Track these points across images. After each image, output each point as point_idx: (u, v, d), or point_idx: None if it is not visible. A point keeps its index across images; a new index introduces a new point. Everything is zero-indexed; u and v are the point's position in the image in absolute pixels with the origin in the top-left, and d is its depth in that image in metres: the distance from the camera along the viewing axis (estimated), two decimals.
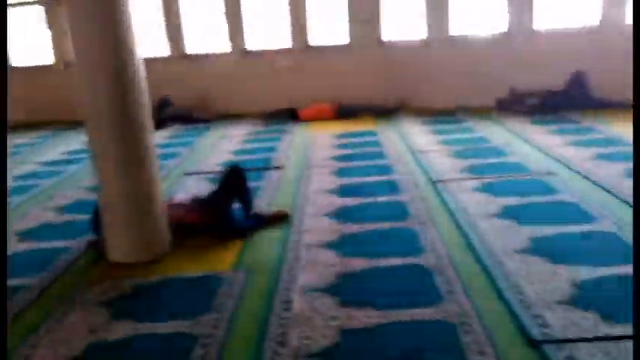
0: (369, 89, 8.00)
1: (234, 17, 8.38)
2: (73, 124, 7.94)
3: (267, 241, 3.59)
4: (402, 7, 8.02)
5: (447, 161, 5.19)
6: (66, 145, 7.30)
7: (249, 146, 6.52)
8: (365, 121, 7.47)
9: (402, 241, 3.42)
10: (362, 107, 7.85)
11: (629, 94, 6.82)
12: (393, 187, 4.50)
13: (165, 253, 3.46)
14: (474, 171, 4.80)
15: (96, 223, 3.58)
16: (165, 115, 8.08)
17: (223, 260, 3.34)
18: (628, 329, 2.33)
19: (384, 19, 8.03)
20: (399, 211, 3.94)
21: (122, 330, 2.64)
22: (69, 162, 6.27)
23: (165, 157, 6.00)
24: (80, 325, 2.72)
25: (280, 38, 8.39)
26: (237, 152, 6.25)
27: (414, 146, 5.86)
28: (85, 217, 3.95)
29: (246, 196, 3.91)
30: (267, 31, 8.51)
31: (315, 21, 8.30)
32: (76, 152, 6.73)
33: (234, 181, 3.90)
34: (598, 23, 7.17)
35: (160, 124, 7.57)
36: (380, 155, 5.62)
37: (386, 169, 5.05)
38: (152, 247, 3.43)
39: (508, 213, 3.75)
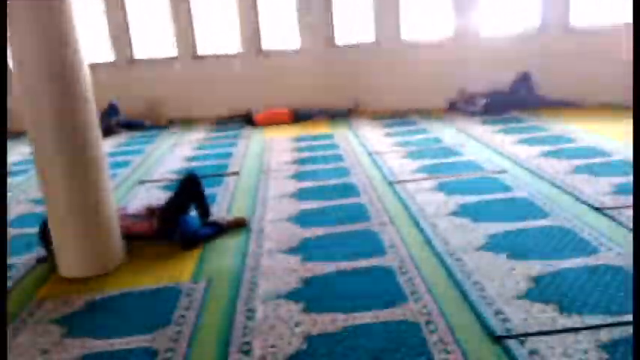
0: (323, 92, 8.01)
1: (185, 21, 8.22)
2: (14, 134, 7.57)
3: (227, 249, 3.52)
4: (353, 10, 8.07)
5: (403, 162, 5.24)
6: (7, 156, 6.96)
7: (203, 152, 6.39)
8: (321, 124, 7.47)
9: (364, 243, 3.42)
10: (317, 110, 7.85)
11: (573, 93, 7.15)
12: (351, 190, 4.51)
13: (120, 266, 3.33)
14: (430, 171, 4.87)
15: (44, 237, 3.41)
16: (114, 122, 7.84)
17: (182, 271, 3.24)
18: (586, 320, 2.41)
19: (335, 23, 8.06)
20: (359, 213, 3.94)
21: (76, 348, 2.52)
22: (12, 174, 5.97)
23: (117, 165, 5.81)
24: (30, 346, 2.58)
25: (233, 42, 8.29)
26: (191, 159, 6.12)
27: (370, 148, 5.90)
28: (32, 230, 3.76)
29: (202, 204, 3.81)
30: (220, 35, 8.38)
31: (268, 25, 8.24)
32: (20, 163, 6.42)
33: (189, 188, 3.80)
34: (540, 25, 7.42)
35: (109, 131, 7.33)
36: (337, 158, 5.62)
37: (343, 172, 5.06)
38: (105, 259, 3.30)
39: (464, 211, 3.82)
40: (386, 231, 3.58)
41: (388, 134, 6.57)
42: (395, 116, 7.56)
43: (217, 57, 8.37)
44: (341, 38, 8.12)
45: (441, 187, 4.37)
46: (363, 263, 3.14)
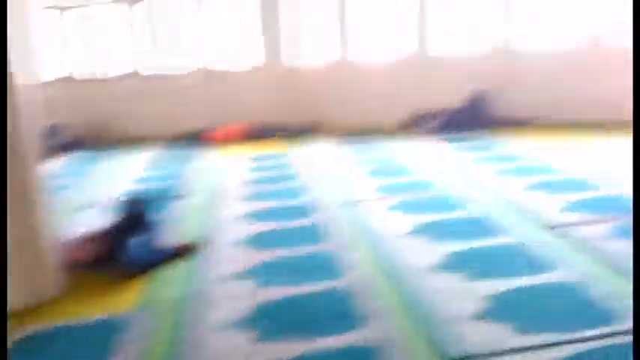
0: (282, 111, 7.93)
1: (133, 38, 8.02)
2: None
3: (175, 275, 3.34)
4: (315, 30, 8.07)
5: (360, 182, 5.19)
6: None
7: (153, 173, 6.17)
8: (277, 143, 7.36)
9: (319, 266, 3.31)
10: (273, 129, 7.74)
11: (527, 111, 7.31)
12: (307, 210, 4.40)
13: (59, 296, 3.10)
14: (387, 190, 4.82)
15: None
16: (56, 143, 7.47)
17: (125, 300, 3.05)
18: (541, 338, 2.38)
19: (296, 41, 8.03)
20: (315, 235, 3.84)
21: None
22: None
23: (58, 189, 5.51)
24: None
25: (189, 59, 8.14)
26: (140, 180, 5.88)
27: (328, 167, 5.83)
28: None
29: (149, 228, 3.62)
30: (175, 52, 8.22)
31: (228, 41, 8.14)
32: None
33: (135, 212, 3.61)
34: (495, 47, 7.58)
35: (51, 153, 6.99)
36: (294, 177, 5.52)
37: (300, 192, 4.95)
38: (41, 289, 3.07)
39: (421, 230, 3.77)
40: (343, 252, 3.49)
41: (346, 153, 6.53)
42: (353, 135, 7.54)
43: (170, 74, 8.19)
44: (301, 57, 8.09)
45: (398, 207, 4.33)
46: (319, 287, 3.03)
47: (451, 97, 7.55)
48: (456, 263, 3.20)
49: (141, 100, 8.07)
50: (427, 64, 7.70)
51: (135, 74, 8.14)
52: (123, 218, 3.57)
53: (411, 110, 7.77)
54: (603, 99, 7.10)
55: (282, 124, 7.85)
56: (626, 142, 6.03)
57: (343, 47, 7.89)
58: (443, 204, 4.33)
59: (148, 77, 8.17)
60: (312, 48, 8.10)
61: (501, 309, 2.66)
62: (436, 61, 7.70)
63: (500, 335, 2.43)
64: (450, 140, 6.78)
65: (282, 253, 3.55)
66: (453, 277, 3.03)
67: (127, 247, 3.43)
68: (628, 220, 3.66)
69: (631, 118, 6.88)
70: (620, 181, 4.53)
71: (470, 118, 7.40)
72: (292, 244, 3.68)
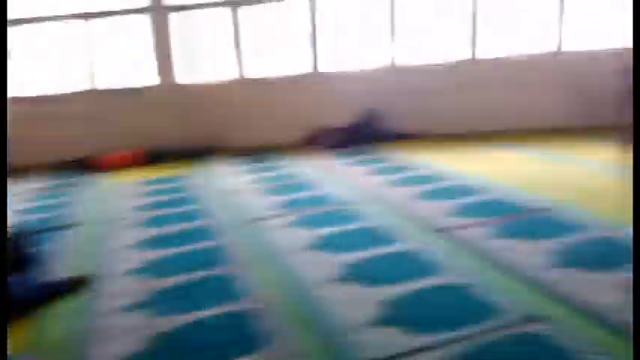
0: (181, 131, 7.75)
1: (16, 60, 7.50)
2: None
3: (62, 312, 3.12)
4: (213, 48, 8.00)
5: (261, 200, 5.19)
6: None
7: (38, 204, 5.76)
8: (174, 165, 7.18)
9: (219, 289, 3.25)
10: (170, 151, 7.54)
11: (417, 126, 7.71)
12: (207, 233, 4.32)
13: None
14: (288, 207, 4.86)
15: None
16: None
17: (9, 341, 2.80)
18: (436, 338, 2.50)
19: (193, 60, 7.91)
20: (215, 257, 3.77)
21: None
22: None
23: None
24: None
25: (75, 80, 7.74)
26: (23, 212, 5.47)
27: (227, 187, 5.77)
28: None
29: (34, 263, 3.37)
30: (59, 73, 7.78)
31: (117, 61, 7.84)
32: None
33: (18, 246, 3.35)
34: (392, 63, 7.92)
35: None
36: (191, 200, 5.40)
37: (199, 215, 4.85)
38: None
39: (322, 244, 3.84)
40: (243, 273, 3.45)
41: (245, 172, 6.50)
42: (253, 153, 7.54)
43: (55, 96, 7.73)
44: (198, 75, 7.98)
45: (300, 223, 4.37)
46: (219, 310, 2.97)
47: (346, 113, 7.80)
48: (354, 273, 3.29)
49: (23, 125, 7.54)
50: (321, 81, 7.91)
51: (21, 96, 7.61)
52: (5, 253, 3.29)
53: (309, 127, 7.92)
54: (485, 110, 7.67)
55: (179, 145, 7.69)
56: (508, 150, 6.56)
57: (245, 63, 7.90)
58: (341, 217, 4.44)
59: (32, 100, 7.66)
60: (208, 66, 8.04)
61: (398, 313, 2.77)
62: (329, 77, 7.93)
63: (396, 339, 2.53)
64: (346, 155, 6.99)
65: (180, 279, 3.45)
66: (352, 287, 3.11)
67: (10, 284, 3.16)
68: (507, 220, 3.97)
69: (512, 127, 7.48)
70: (499, 186, 4.91)
71: (364, 134, 7.69)
72: (191, 269, 3.58)
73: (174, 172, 6.81)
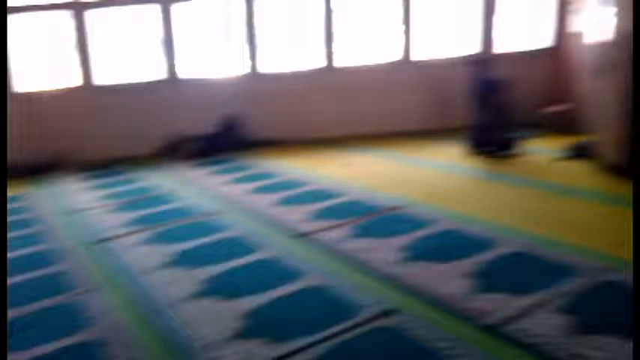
0: (19, 145, 6.95)
1: None
2: None
3: None
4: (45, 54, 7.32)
5: (112, 217, 4.83)
6: None
7: None
8: (15, 183, 6.42)
9: (64, 319, 2.94)
10: (11, 167, 6.74)
11: (279, 132, 7.74)
12: (48, 258, 3.91)
13: None
14: (142, 223, 4.58)
15: None
16: None
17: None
18: (298, 344, 2.49)
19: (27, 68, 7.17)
20: (60, 283, 3.42)
21: None
22: None
23: None
24: None
25: None
26: None
27: (73, 206, 5.29)
28: None
29: None
30: None
31: None
32: None
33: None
34: (250, 71, 7.85)
35: None
36: (35, 222, 4.86)
37: (38, 239, 4.38)
38: None
39: (180, 260, 3.66)
40: (92, 299, 3.16)
41: (94, 188, 6.02)
42: (106, 167, 7.02)
43: None
44: (40, 83, 7.26)
45: (155, 239, 4.14)
46: (64, 343, 2.68)
47: (206, 121, 7.61)
48: (213, 287, 3.18)
49: None
50: (178, 88, 7.63)
51: None
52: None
53: (168, 137, 7.60)
54: (344, 116, 7.94)
55: (21, 160, 6.92)
56: (366, 153, 6.85)
57: (85, 70, 7.34)
58: (201, 229, 4.28)
59: None
60: (49, 73, 7.37)
61: (259, 324, 2.71)
62: (187, 84, 7.69)
63: (256, 351, 2.48)
64: (207, 164, 6.81)
65: (24, 310, 3.07)
66: (210, 302, 2.99)
67: None
68: (363, 220, 4.13)
69: (371, 132, 7.82)
70: (357, 188, 5.10)
71: (225, 142, 7.57)
72: (29, 300, 3.20)
73: (14, 190, 6.10)
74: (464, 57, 7.28)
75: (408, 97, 7.91)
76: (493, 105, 6.10)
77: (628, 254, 3.17)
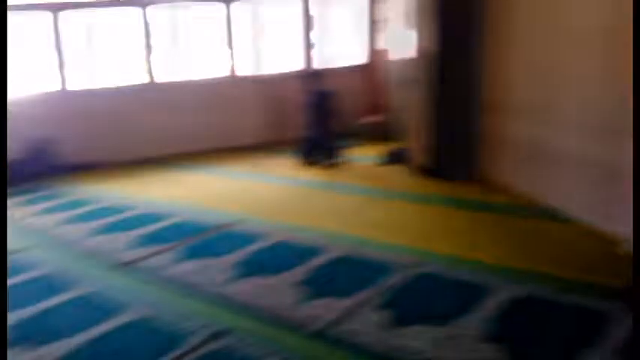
0: None
1: None
2: None
3: None
4: None
5: None
6: None
7: None
8: None
9: None
10: None
11: (98, 154, 7.14)
12: None
13: None
14: None
15: None
16: None
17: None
18: None
19: None
20: None
21: None
22: None
23: None
24: None
25: None
26: None
27: None
28: None
29: None
30: None
31: None
32: None
33: None
34: (62, 88, 7.13)
35: None
36: None
37: None
38: None
39: None
40: None
41: None
42: None
43: None
44: None
45: None
46: None
47: (11, 146, 6.75)
48: (22, 335, 2.79)
49: None
50: None
51: None
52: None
53: None
54: (173, 133, 7.61)
55: None
56: (198, 171, 6.64)
57: None
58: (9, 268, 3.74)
59: None
60: None
61: None
62: None
63: None
64: (11, 195, 6.03)
65: None
66: (21, 350, 2.62)
67: None
68: (192, 241, 3.98)
69: (204, 148, 7.60)
70: (186, 208, 4.92)
71: (32, 168, 6.78)
72: None
73: None
74: (295, 72, 7.53)
75: (240, 112, 7.90)
76: (324, 116, 6.39)
77: (437, 246, 3.52)
